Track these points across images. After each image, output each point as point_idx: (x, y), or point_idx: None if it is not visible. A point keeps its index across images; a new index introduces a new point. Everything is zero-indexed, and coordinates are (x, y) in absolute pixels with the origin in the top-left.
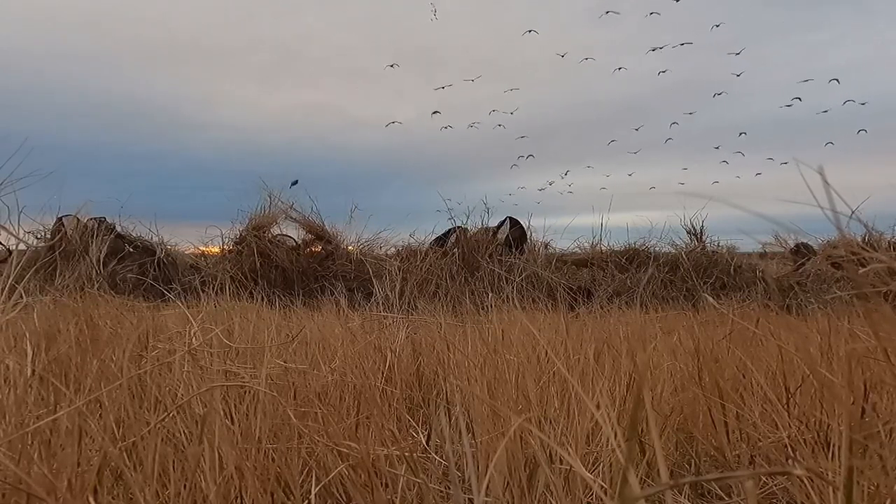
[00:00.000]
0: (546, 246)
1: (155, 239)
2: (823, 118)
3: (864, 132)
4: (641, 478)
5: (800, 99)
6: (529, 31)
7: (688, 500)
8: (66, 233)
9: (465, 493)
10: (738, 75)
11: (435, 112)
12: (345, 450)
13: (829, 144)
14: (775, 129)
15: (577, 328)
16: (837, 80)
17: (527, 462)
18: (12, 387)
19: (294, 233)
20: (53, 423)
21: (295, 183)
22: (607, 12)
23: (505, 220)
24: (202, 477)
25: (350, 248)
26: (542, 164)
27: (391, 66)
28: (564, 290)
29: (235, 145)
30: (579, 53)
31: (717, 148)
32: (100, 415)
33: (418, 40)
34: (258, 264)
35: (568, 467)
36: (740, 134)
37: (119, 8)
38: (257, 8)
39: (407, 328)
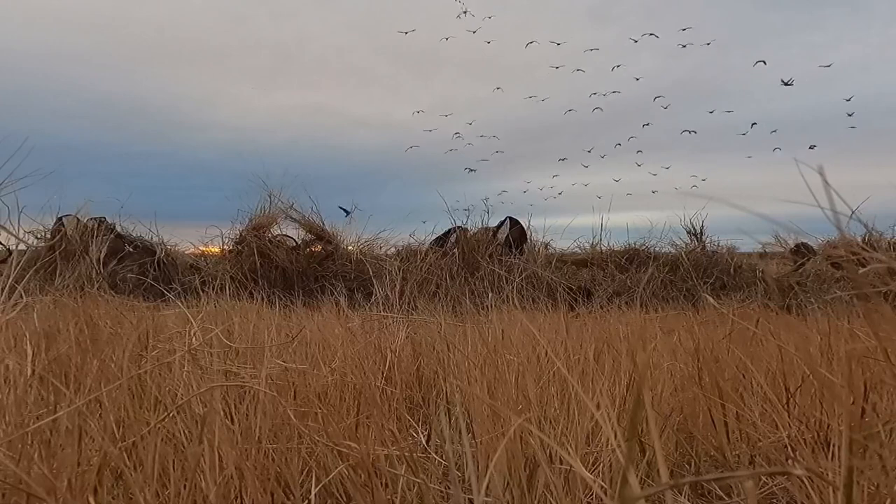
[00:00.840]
0: (546, 246)
1: (155, 239)
2: (820, 118)
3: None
4: (641, 478)
5: (694, 132)
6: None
7: (688, 500)
8: (66, 233)
9: (465, 493)
10: (664, 108)
11: (456, 134)
12: (345, 450)
13: (852, 139)
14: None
15: (577, 328)
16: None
17: (527, 462)
18: (12, 387)
19: (294, 233)
20: (53, 423)
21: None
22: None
23: (505, 220)
24: (202, 477)
25: (350, 248)
26: (543, 163)
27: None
28: (564, 290)
29: (235, 145)
30: (580, 55)
31: (640, 162)
32: (100, 415)
33: (418, 40)
34: (258, 264)
35: (568, 467)
36: (689, 133)
37: (119, 8)
38: (256, 9)
39: (407, 328)
